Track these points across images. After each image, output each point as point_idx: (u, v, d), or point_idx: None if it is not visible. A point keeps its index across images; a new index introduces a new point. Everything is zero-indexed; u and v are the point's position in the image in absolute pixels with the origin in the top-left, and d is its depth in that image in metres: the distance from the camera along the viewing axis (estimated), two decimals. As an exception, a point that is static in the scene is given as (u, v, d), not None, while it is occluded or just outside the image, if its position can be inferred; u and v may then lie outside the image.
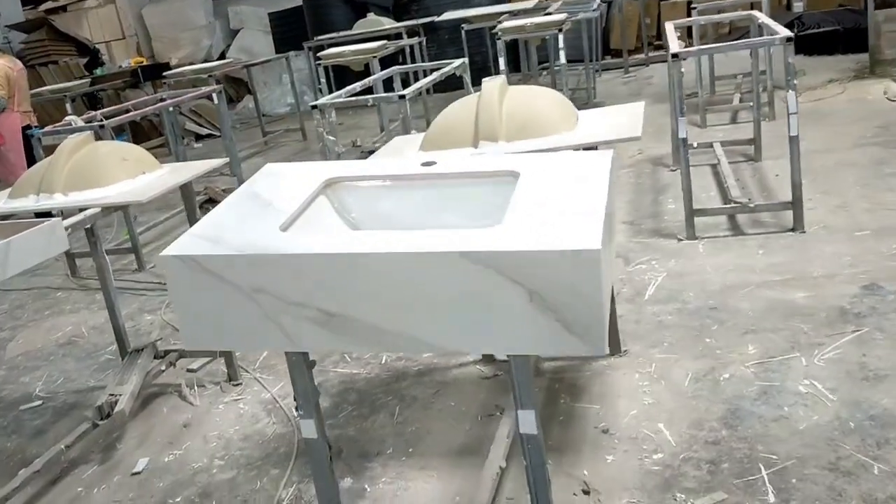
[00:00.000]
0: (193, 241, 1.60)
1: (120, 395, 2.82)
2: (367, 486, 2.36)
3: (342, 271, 1.49)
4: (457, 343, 1.51)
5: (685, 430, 2.35)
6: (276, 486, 2.44)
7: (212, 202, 5.91)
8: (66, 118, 5.06)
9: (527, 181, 1.70)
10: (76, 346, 3.84)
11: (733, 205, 3.74)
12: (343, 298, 1.51)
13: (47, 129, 4.89)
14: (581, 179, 1.68)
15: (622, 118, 2.41)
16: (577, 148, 2.20)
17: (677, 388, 2.57)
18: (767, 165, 4.71)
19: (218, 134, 8.78)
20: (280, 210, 1.71)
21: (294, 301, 1.53)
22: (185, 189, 2.85)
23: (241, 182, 6.00)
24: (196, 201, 2.96)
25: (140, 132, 9.07)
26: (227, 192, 6.05)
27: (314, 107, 4.04)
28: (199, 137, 9.58)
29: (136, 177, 2.72)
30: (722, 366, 2.65)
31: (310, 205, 1.78)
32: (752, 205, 3.66)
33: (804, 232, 3.63)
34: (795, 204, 3.62)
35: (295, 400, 1.69)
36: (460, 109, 2.41)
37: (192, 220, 2.97)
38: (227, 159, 3.22)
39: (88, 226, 2.54)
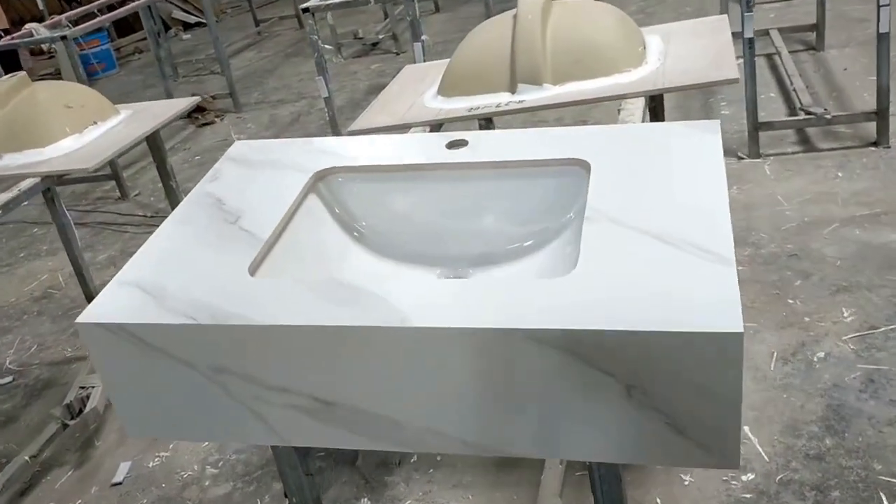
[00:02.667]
0: (124, 295, 1.10)
1: (92, 387, 2.39)
2: (388, 512, 1.95)
3: (340, 350, 1.00)
4: (518, 446, 1.03)
5: (778, 437, 1.90)
6: (280, 507, 2.03)
7: (200, 111, 5.33)
8: (27, 26, 4.45)
9: (601, 178, 1.18)
10: (52, 300, 3.40)
11: (806, 116, 3.16)
12: (344, 384, 1.03)
13: (3, 41, 4.29)
14: (683, 177, 1.16)
15: (700, 43, 1.84)
16: (651, 95, 1.65)
17: (762, 373, 2.11)
18: (832, 56, 4.08)
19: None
20: (250, 231, 1.20)
21: (273, 386, 1.05)
22: (152, 141, 2.31)
23: (230, 83, 5.42)
24: (167, 153, 2.43)
25: (123, 24, 8.33)
26: (217, 98, 5.46)
27: (305, 10, 3.42)
28: (187, 27, 8.82)
29: (84, 129, 2.18)
30: (813, 340, 2.18)
31: (295, 213, 1.27)
32: (828, 116, 3.09)
33: (889, 147, 3.08)
34: (881, 114, 3.04)
35: (286, 496, 1.24)
36: (490, 39, 1.83)
37: (165, 177, 2.45)
38: (198, 97, 2.66)
39: (26, 202, 2.04)
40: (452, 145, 1.33)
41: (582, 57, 1.73)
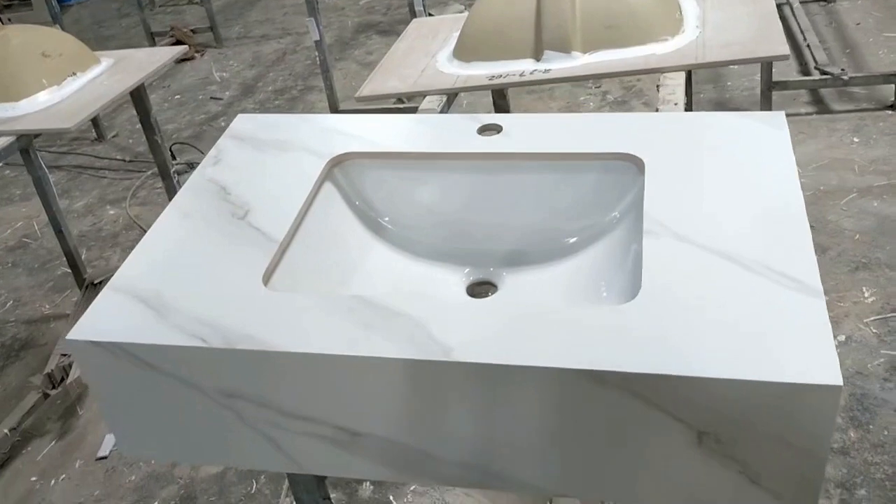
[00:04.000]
0: (121, 307, 0.97)
1: (74, 354, 2.26)
2: (391, 498, 1.86)
3: (370, 381, 0.89)
4: (569, 488, 0.93)
5: (800, 427, 1.83)
6: (275, 489, 1.94)
7: (180, 45, 5.06)
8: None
9: (658, 180, 1.05)
10: (28, 251, 3.24)
11: (822, 76, 3.03)
12: (373, 415, 0.92)
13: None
14: (751, 182, 1.03)
15: (741, 9, 1.69)
16: (691, 69, 1.51)
17: (780, 357, 2.02)
18: (843, 9, 3.92)
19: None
20: (261, 229, 1.07)
21: (293, 413, 0.94)
22: (136, 93, 2.13)
23: (210, 16, 5.15)
24: (150, 104, 2.25)
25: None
26: (197, 32, 5.21)
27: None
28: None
29: (62, 81, 2.00)
30: (834, 322, 2.09)
31: (311, 205, 1.13)
32: (846, 77, 2.96)
33: (906, 111, 2.97)
34: (900, 76, 2.92)
35: (301, 519, 1.14)
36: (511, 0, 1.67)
37: (149, 131, 2.28)
38: (185, 47, 2.48)
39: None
40: (484, 130, 1.20)
41: (615, 22, 1.58)
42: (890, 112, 2.97)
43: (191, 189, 1.17)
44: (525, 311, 0.90)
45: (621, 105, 3.49)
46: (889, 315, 2.08)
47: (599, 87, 3.63)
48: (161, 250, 1.05)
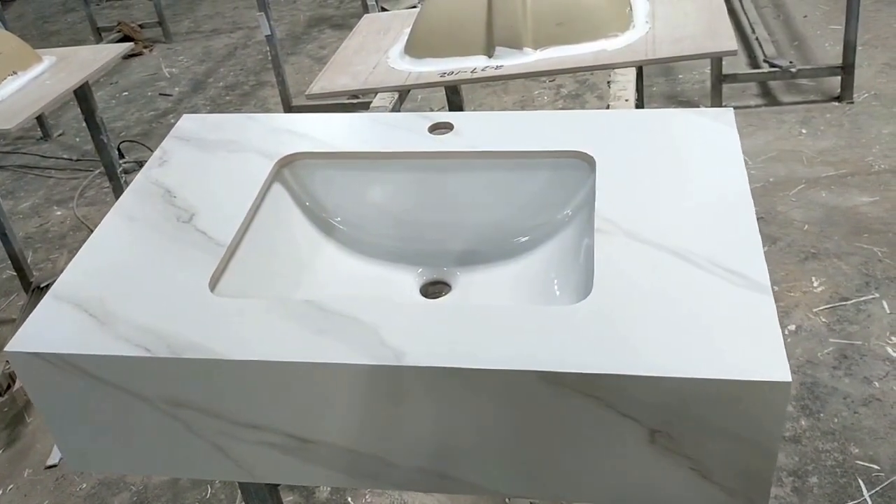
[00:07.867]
0: (63, 317, 0.94)
1: (21, 360, 2.20)
2: (349, 500, 1.85)
3: (320, 387, 0.87)
4: (528, 489, 0.93)
5: (753, 417, 1.85)
6: (230, 494, 1.91)
7: (127, 41, 4.96)
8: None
9: (609, 178, 1.05)
10: (-29, 254, 3.15)
11: (770, 69, 3.07)
12: (324, 421, 0.90)
13: None
14: (700, 178, 1.04)
15: (690, 5, 1.70)
16: (639, 65, 1.52)
17: (733, 348, 2.04)
18: (791, 2, 3.98)
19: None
20: (207, 233, 1.04)
21: (242, 422, 0.92)
22: (80, 91, 2.08)
23: (159, 10, 5.05)
24: (96, 102, 2.19)
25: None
26: (145, 27, 5.10)
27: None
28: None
29: (1, 81, 1.94)
30: (785, 311, 2.13)
31: (259, 207, 1.11)
32: (794, 69, 3.00)
33: (852, 103, 3.02)
34: (846, 69, 2.97)
35: (254, 528, 1.12)
36: (463, -6, 1.66)
37: (94, 130, 2.23)
38: (131, 44, 2.42)
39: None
40: (436, 128, 1.19)
41: (565, 19, 1.58)
42: (836, 103, 3.03)
43: (135, 192, 1.14)
44: (478, 313, 0.89)
45: (575, 99, 3.50)
46: (837, 304, 2.12)
47: (553, 80, 3.64)
48: (104, 256, 1.02)
